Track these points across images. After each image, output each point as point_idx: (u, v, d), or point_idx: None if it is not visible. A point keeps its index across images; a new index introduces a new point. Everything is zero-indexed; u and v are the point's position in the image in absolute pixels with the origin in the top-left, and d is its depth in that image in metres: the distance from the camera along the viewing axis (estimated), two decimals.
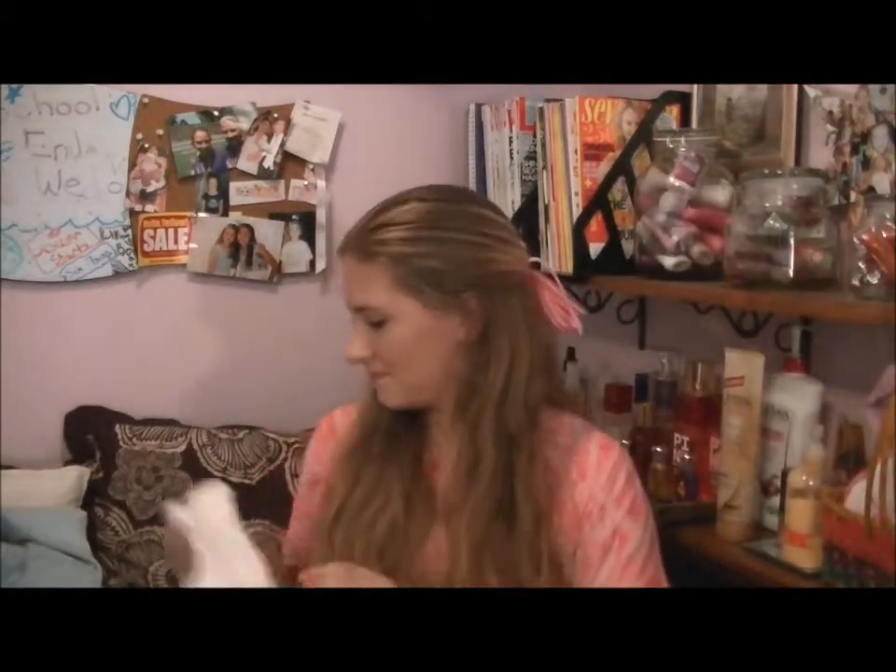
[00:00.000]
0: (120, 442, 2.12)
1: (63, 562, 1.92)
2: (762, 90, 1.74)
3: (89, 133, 2.18)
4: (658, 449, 1.76)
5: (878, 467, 1.21)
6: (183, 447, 2.13)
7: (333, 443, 1.31)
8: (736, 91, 1.80)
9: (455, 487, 1.19)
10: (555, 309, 1.25)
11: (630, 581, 1.18)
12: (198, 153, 2.25)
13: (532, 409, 1.20)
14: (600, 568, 1.19)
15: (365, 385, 1.30)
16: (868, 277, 1.31)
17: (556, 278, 1.27)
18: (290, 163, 2.31)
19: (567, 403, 1.28)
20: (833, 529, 1.33)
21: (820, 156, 1.60)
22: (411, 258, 1.17)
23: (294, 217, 2.32)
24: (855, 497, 1.29)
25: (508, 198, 2.16)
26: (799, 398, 1.57)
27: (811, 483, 1.41)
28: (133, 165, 2.21)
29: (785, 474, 1.50)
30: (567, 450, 1.22)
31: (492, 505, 1.17)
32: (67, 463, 2.17)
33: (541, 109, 2.00)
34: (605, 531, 1.19)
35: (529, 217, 2.06)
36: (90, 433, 2.18)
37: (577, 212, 1.89)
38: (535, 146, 2.05)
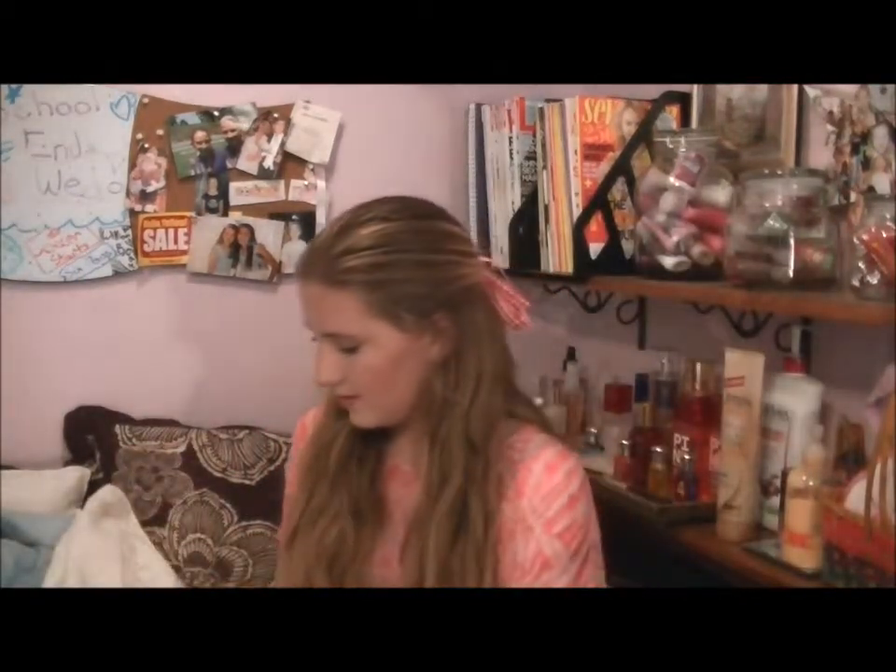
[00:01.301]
0: (120, 442, 2.12)
1: None
2: (762, 90, 1.74)
3: (89, 132, 2.18)
4: (658, 449, 1.76)
5: (878, 467, 1.21)
6: (183, 447, 2.13)
7: (303, 447, 1.32)
8: (736, 91, 1.80)
9: (426, 500, 1.19)
10: (506, 307, 1.25)
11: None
12: (198, 153, 2.25)
13: (493, 421, 1.20)
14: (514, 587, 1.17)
15: (326, 400, 1.29)
16: (868, 277, 1.31)
17: (503, 273, 1.27)
18: (290, 163, 2.31)
19: (533, 418, 1.26)
20: (834, 529, 1.33)
21: (820, 156, 1.60)
22: (385, 283, 1.15)
23: (294, 217, 2.32)
24: (855, 497, 1.29)
25: (508, 198, 2.16)
26: (799, 398, 1.57)
27: (811, 483, 1.41)
28: (133, 165, 2.21)
29: (785, 474, 1.50)
30: (513, 464, 1.20)
31: (454, 516, 1.17)
32: (67, 463, 2.17)
33: (541, 109, 2.00)
34: (528, 553, 1.17)
35: (529, 217, 2.06)
36: (90, 433, 2.18)
37: (577, 212, 1.89)
38: (535, 146, 2.05)
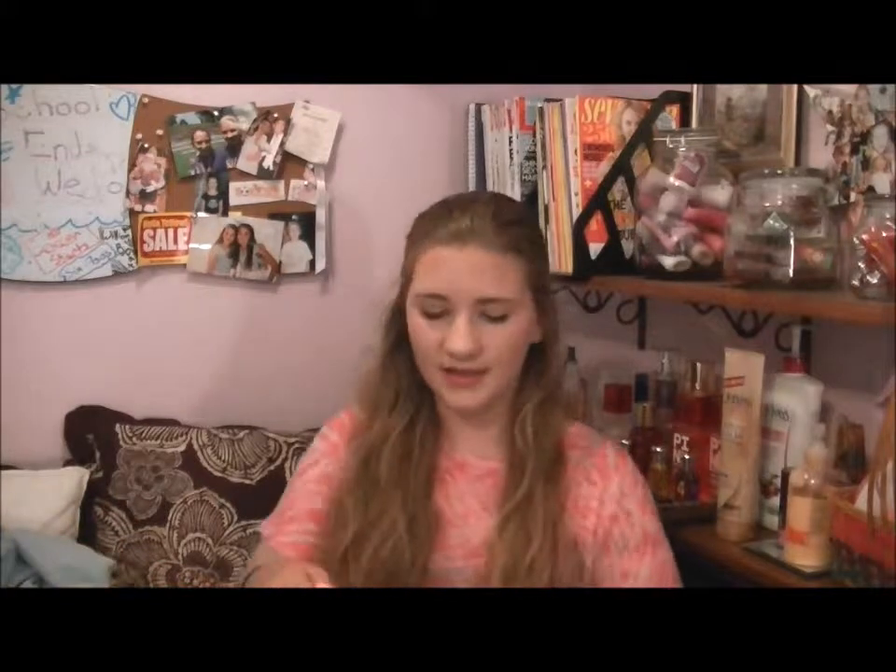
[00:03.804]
0: (120, 442, 2.12)
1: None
2: (762, 90, 1.74)
3: (89, 133, 2.18)
4: (658, 449, 1.76)
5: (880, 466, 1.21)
6: (183, 447, 2.13)
7: (352, 444, 1.30)
8: (736, 91, 1.80)
9: (511, 487, 1.22)
10: None
11: (670, 584, 1.24)
12: (198, 153, 2.25)
13: (565, 411, 1.29)
14: (639, 573, 1.22)
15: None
16: (868, 277, 1.31)
17: None
18: (290, 163, 2.31)
19: (575, 415, 1.37)
20: (841, 527, 1.33)
21: (820, 156, 1.60)
22: (537, 257, 1.24)
23: (294, 217, 2.32)
24: (865, 496, 1.29)
25: None
26: (799, 398, 1.57)
27: (812, 481, 1.41)
28: (132, 165, 2.21)
29: (786, 474, 1.50)
30: (585, 451, 1.27)
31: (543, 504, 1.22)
32: (67, 463, 2.17)
33: (541, 109, 2.00)
34: (637, 536, 1.23)
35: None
36: (90, 433, 2.18)
37: (577, 212, 1.89)
38: (535, 146, 2.05)
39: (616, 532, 1.23)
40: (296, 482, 1.34)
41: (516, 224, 1.22)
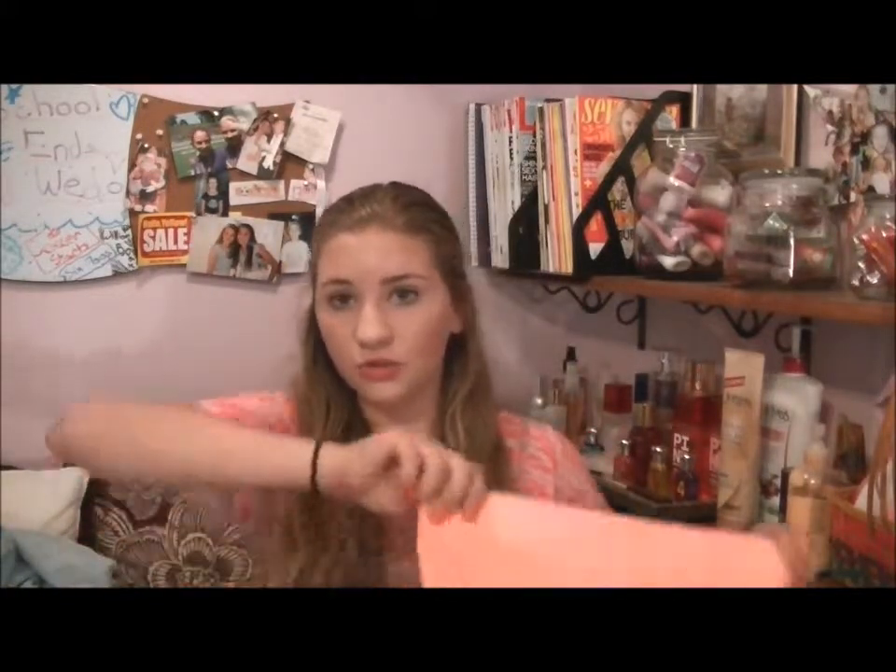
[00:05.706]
0: None
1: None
2: (762, 90, 1.74)
3: (89, 133, 2.18)
4: (658, 449, 1.76)
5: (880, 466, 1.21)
6: None
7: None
8: (736, 91, 1.80)
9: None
10: None
11: None
12: (198, 153, 2.25)
13: (497, 406, 1.24)
14: None
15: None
16: (868, 277, 1.31)
17: None
18: (290, 163, 2.31)
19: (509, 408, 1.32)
20: (841, 527, 1.33)
21: (820, 156, 1.60)
22: (446, 240, 1.20)
23: (294, 217, 2.32)
24: (864, 496, 1.30)
25: (508, 198, 2.16)
26: (799, 398, 1.56)
27: (812, 481, 1.41)
28: (132, 165, 2.22)
29: (785, 474, 1.50)
30: (525, 436, 1.26)
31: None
32: (67, 463, 2.17)
33: (541, 109, 2.00)
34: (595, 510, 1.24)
35: (529, 216, 2.06)
36: None
37: (577, 212, 1.89)
38: (535, 146, 2.05)
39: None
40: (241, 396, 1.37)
41: (419, 206, 1.20)
